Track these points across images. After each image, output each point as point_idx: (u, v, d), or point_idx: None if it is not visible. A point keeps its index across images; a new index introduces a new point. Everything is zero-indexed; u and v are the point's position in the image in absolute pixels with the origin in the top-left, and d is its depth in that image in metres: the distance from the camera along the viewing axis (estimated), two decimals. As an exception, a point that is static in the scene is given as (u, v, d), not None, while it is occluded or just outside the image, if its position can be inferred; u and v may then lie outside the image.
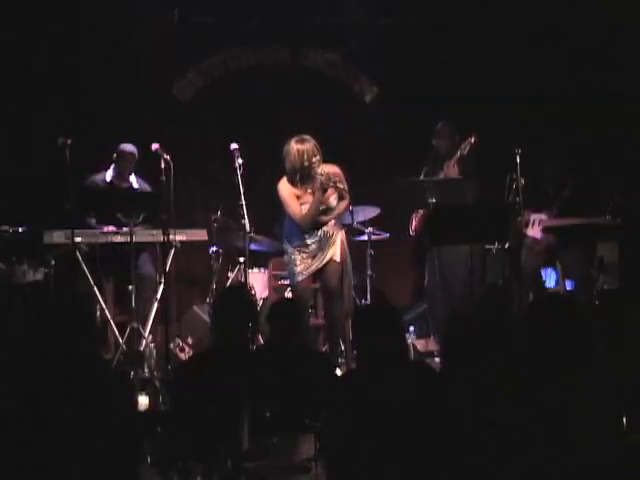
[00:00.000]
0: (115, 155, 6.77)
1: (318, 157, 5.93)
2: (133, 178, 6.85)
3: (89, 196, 6.65)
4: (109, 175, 6.83)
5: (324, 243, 6.04)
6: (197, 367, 4.11)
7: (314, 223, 6.01)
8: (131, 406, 4.83)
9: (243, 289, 5.12)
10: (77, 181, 6.47)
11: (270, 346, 4.95)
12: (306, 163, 5.91)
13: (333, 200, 6.03)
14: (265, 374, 4.33)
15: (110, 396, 3.17)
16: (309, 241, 6.03)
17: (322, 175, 5.89)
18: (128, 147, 6.79)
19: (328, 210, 6.03)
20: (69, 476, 3.03)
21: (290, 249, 6.08)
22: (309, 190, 5.99)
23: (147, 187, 6.87)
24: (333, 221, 6.10)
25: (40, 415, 3.03)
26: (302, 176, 5.96)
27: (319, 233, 6.04)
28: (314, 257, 6.04)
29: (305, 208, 5.97)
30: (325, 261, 6.04)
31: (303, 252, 6.04)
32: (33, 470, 3.01)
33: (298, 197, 6.00)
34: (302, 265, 6.03)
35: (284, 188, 6.03)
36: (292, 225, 6.06)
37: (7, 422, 3.04)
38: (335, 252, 6.06)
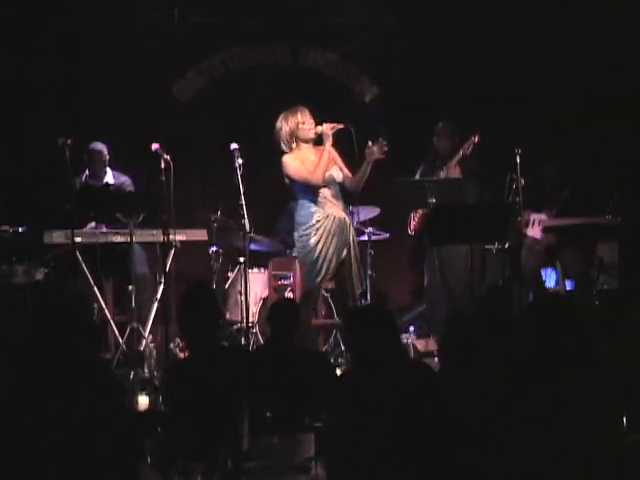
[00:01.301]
0: (85, 155, 6.78)
1: (312, 120, 5.85)
2: (109, 174, 6.86)
3: (88, 196, 6.66)
4: (84, 176, 6.85)
5: (344, 232, 5.87)
6: (186, 367, 4.11)
7: (324, 176, 5.81)
8: (130, 406, 4.86)
9: (203, 288, 4.89)
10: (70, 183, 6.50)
11: (270, 346, 4.96)
12: (301, 125, 5.83)
13: (336, 172, 5.89)
14: (265, 374, 4.34)
15: (110, 396, 3.18)
16: (330, 210, 5.81)
17: (322, 127, 5.79)
18: (96, 146, 6.82)
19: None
20: (69, 476, 3.03)
21: (308, 230, 5.83)
22: (313, 157, 5.86)
23: (124, 179, 6.88)
24: (343, 208, 5.95)
25: (40, 415, 3.03)
26: (301, 139, 5.86)
27: (336, 218, 5.85)
28: (334, 238, 5.83)
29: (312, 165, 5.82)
30: (345, 253, 5.89)
31: (320, 234, 5.81)
32: (32, 470, 3.01)
33: (303, 162, 5.86)
34: (320, 247, 5.79)
35: (289, 158, 5.86)
36: (306, 203, 5.87)
37: (6, 422, 3.04)
38: (353, 244, 5.94)
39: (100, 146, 6.81)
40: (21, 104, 7.38)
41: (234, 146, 6.19)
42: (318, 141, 5.92)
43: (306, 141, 5.91)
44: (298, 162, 5.87)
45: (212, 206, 7.15)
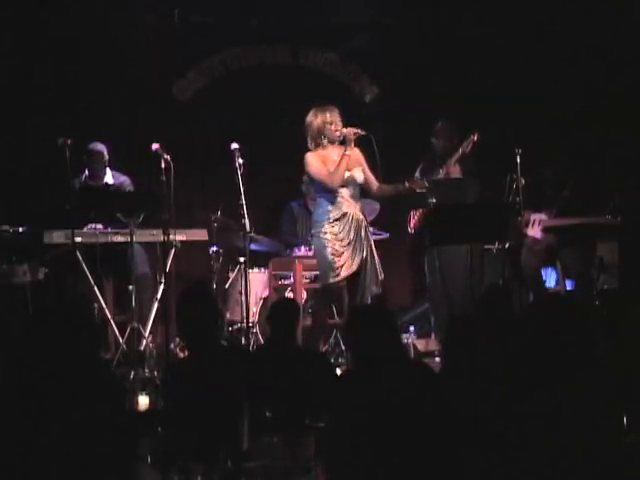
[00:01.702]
0: (85, 156, 6.79)
1: (340, 122, 5.87)
2: (109, 175, 6.87)
3: (88, 196, 6.67)
4: (84, 176, 6.86)
5: (360, 232, 5.86)
6: (186, 367, 4.10)
7: (342, 179, 5.80)
8: (130, 406, 4.86)
9: (202, 288, 4.90)
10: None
11: (270, 346, 4.96)
12: (328, 125, 5.85)
13: (358, 173, 5.90)
14: (265, 374, 4.34)
15: (109, 396, 3.18)
16: (347, 210, 5.81)
17: (346, 130, 5.82)
18: (96, 146, 6.82)
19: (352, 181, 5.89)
20: (67, 476, 3.03)
21: (324, 228, 5.83)
22: (336, 156, 5.85)
23: (124, 179, 6.89)
24: (361, 208, 5.95)
25: (39, 415, 3.03)
26: (327, 138, 5.87)
27: (353, 219, 5.85)
28: (349, 238, 5.81)
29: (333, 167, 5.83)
30: (362, 255, 5.86)
31: (336, 233, 5.81)
32: (31, 468, 3.01)
33: (325, 162, 5.87)
34: (337, 246, 5.78)
35: (311, 156, 5.87)
36: (323, 202, 5.88)
37: (5, 421, 3.04)
38: (371, 246, 5.92)
39: (100, 146, 6.82)
40: (21, 104, 7.37)
41: (234, 146, 6.20)
42: (344, 141, 5.92)
43: (332, 141, 5.91)
44: (319, 162, 5.87)
45: (212, 206, 7.14)
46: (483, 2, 7.94)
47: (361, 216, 5.93)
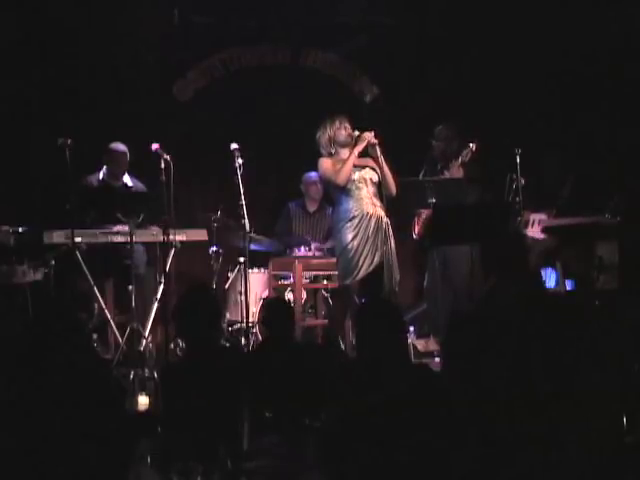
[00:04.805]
0: (106, 155, 6.78)
1: (350, 128, 5.97)
2: (127, 177, 6.86)
3: (88, 196, 6.66)
4: (102, 175, 6.84)
5: (380, 231, 5.91)
6: (186, 368, 4.10)
7: (348, 176, 5.87)
8: (130, 406, 4.86)
9: (203, 290, 4.90)
10: (77, 181, 6.50)
11: (269, 345, 4.96)
12: (338, 130, 5.95)
13: (372, 172, 5.98)
14: (265, 374, 4.33)
15: (108, 396, 3.18)
16: (368, 209, 5.89)
17: (357, 135, 5.92)
18: (119, 146, 6.81)
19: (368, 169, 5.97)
20: (64, 476, 3.04)
21: (343, 227, 5.91)
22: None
23: (141, 185, 6.89)
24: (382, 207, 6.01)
25: (37, 415, 3.03)
26: (339, 143, 5.97)
27: (372, 217, 5.90)
28: (370, 237, 5.87)
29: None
30: (383, 254, 5.91)
31: (355, 231, 5.87)
32: (28, 469, 3.02)
33: (335, 164, 5.96)
34: (357, 237, 5.84)
35: (323, 160, 6.00)
36: (343, 200, 5.94)
37: (3, 421, 3.04)
38: (390, 249, 5.97)
39: (124, 147, 6.83)
40: (21, 104, 7.37)
41: (234, 146, 6.20)
42: (356, 144, 5.98)
43: (344, 145, 5.97)
44: (330, 163, 5.96)
45: (212, 206, 7.15)
46: (483, 2, 7.93)
47: (382, 214, 5.95)
